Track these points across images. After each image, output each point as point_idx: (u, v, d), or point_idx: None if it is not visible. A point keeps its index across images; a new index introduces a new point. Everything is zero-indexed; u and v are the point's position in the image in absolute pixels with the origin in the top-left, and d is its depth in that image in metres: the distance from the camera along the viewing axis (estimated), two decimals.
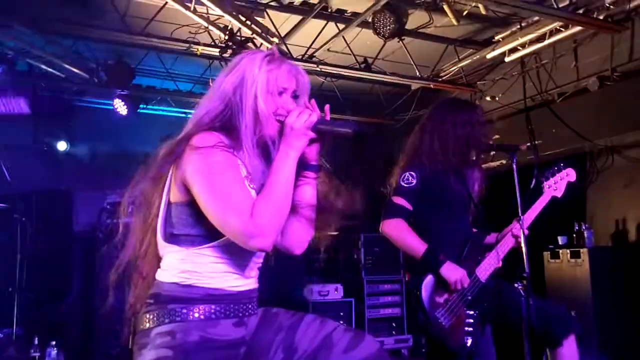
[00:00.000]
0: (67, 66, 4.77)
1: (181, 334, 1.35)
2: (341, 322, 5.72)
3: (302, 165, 1.52)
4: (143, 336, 1.39)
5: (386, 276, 5.75)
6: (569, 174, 2.68)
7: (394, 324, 5.67)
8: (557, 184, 2.63)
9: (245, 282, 1.49)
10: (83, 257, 5.09)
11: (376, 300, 5.72)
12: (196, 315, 1.37)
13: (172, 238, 1.43)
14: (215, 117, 1.47)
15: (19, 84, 5.09)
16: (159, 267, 1.46)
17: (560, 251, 4.29)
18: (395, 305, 5.76)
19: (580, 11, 3.99)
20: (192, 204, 1.39)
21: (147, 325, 1.39)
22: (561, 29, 4.27)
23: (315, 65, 4.82)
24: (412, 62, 4.98)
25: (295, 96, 1.55)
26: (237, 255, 1.45)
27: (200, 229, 1.41)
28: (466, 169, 2.59)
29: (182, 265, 1.41)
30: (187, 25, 4.31)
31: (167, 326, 1.36)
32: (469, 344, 2.33)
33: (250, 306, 1.50)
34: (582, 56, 4.60)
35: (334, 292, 5.56)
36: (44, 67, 4.83)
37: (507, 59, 4.79)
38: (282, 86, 1.50)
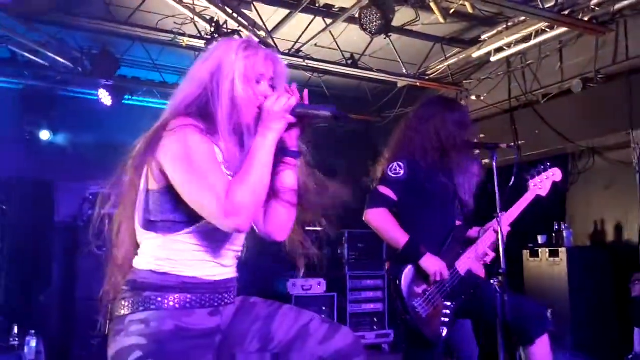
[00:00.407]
0: (51, 54, 4.71)
1: (155, 322, 1.35)
2: (322, 314, 5.71)
3: (282, 151, 1.52)
4: (118, 323, 1.39)
5: (369, 272, 5.79)
6: (555, 174, 2.70)
7: (375, 319, 5.71)
8: (542, 183, 2.66)
9: (223, 270, 1.48)
10: (64, 247, 5.05)
11: (358, 295, 5.76)
12: (171, 304, 1.37)
13: (149, 225, 1.42)
14: (191, 103, 1.46)
15: (2, 71, 5.04)
16: (135, 254, 1.46)
17: (540, 250, 4.34)
18: (377, 301, 5.80)
19: (566, 12, 4.03)
20: (169, 190, 1.39)
21: (122, 312, 1.38)
22: (547, 29, 4.31)
23: (302, 60, 4.82)
24: (399, 60, 4.99)
25: (272, 86, 1.54)
26: (214, 242, 1.45)
27: (177, 215, 1.40)
28: (456, 163, 2.60)
29: (158, 253, 1.41)
30: (173, 16, 4.28)
31: (142, 314, 1.36)
32: (444, 335, 2.37)
33: (226, 295, 1.49)
34: (567, 57, 4.65)
35: (317, 286, 5.58)
36: (27, 54, 4.77)
37: (492, 59, 4.82)
38: (259, 72, 1.50)
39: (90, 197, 4.27)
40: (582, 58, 4.50)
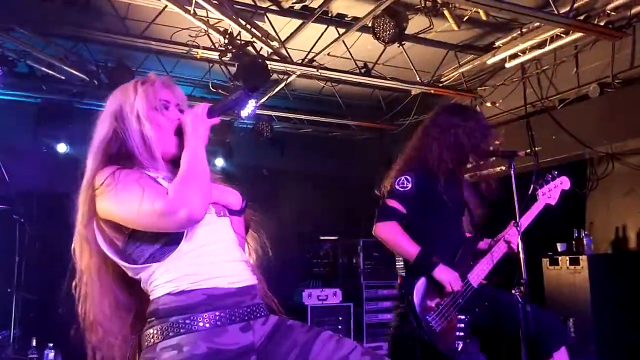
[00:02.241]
0: (67, 68, 4.78)
1: (188, 346, 1.31)
2: (338, 325, 5.70)
3: (230, 212, 1.56)
4: (149, 352, 1.35)
5: (385, 281, 5.74)
6: (563, 182, 2.67)
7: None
8: (551, 192, 2.63)
9: (241, 273, 1.46)
10: None
11: (375, 305, 5.71)
12: (201, 324, 1.33)
13: (142, 268, 1.39)
14: (107, 145, 1.48)
15: (20, 86, 5.11)
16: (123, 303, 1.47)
17: (559, 258, 4.26)
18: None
19: (581, 17, 3.99)
20: (135, 232, 1.38)
21: (152, 340, 1.35)
22: (562, 35, 4.27)
23: (315, 70, 4.82)
24: (413, 67, 4.98)
25: (180, 110, 1.56)
26: (209, 243, 1.43)
27: (161, 240, 1.38)
28: (461, 174, 2.59)
29: (168, 276, 1.37)
30: (187, 29, 4.31)
31: (172, 340, 1.32)
32: (459, 349, 2.31)
33: (255, 308, 1.45)
34: (583, 62, 4.60)
35: (333, 296, 5.55)
36: (44, 69, 4.84)
37: (507, 65, 4.79)
38: (162, 99, 1.52)
39: None
40: (599, 63, 4.44)
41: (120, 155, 1.46)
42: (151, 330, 1.36)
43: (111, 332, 1.46)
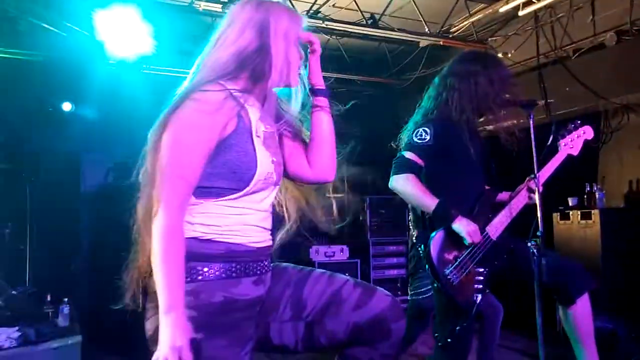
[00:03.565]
0: (69, 25, 4.67)
1: (205, 294, 1.31)
2: (348, 277, 5.73)
3: (311, 92, 1.56)
4: None
5: (392, 238, 5.77)
6: (586, 132, 2.61)
7: (399, 285, 5.72)
8: (573, 142, 2.57)
9: (265, 236, 1.46)
10: (91, 217, 5.13)
11: (382, 261, 5.77)
12: (217, 273, 1.33)
13: (198, 195, 1.37)
14: (246, 57, 1.41)
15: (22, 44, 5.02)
16: None
17: (571, 212, 4.23)
18: (401, 267, 5.80)
19: None
20: (215, 161, 1.35)
21: None
22: None
23: (320, 22, 4.67)
24: (421, 18, 4.81)
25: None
26: (257, 207, 1.42)
27: (218, 180, 1.36)
28: (477, 125, 2.52)
29: (203, 219, 1.36)
30: None
31: (189, 285, 1.31)
32: (477, 301, 2.30)
33: (266, 263, 1.47)
34: (600, 10, 4.41)
35: (340, 253, 5.60)
36: (46, 25, 4.73)
37: (520, 13, 4.60)
38: (299, 37, 1.52)
39: (115, 167, 4.28)
40: (616, 10, 4.26)
41: (254, 71, 1.42)
42: None
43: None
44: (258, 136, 1.41)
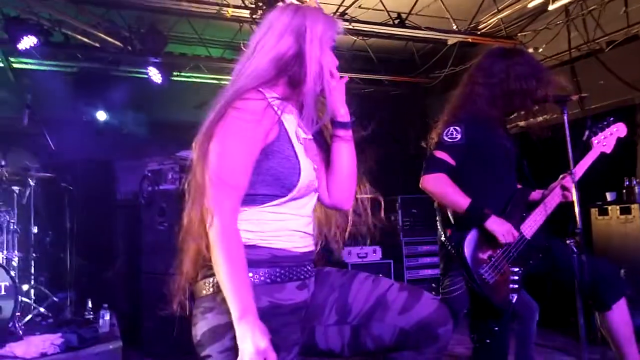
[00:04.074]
0: (101, 35, 4.81)
1: None
2: (393, 280, 5.70)
3: (333, 124, 1.50)
4: (207, 301, 1.34)
5: (424, 237, 5.72)
6: (619, 129, 2.53)
7: (433, 285, 5.66)
8: (606, 139, 2.50)
9: (308, 241, 1.46)
10: (127, 224, 5.24)
11: (415, 261, 5.72)
12: (262, 278, 1.34)
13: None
14: (285, 64, 1.41)
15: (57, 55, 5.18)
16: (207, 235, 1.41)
17: (609, 207, 4.13)
18: (435, 266, 5.73)
19: None
20: (260, 167, 1.36)
21: (212, 290, 1.34)
22: None
23: (347, 23, 4.68)
24: (449, 16, 4.77)
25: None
26: (300, 213, 1.42)
27: (261, 187, 1.37)
28: (507, 123, 2.49)
29: (246, 226, 1.36)
30: None
31: None
32: (513, 301, 2.27)
33: (309, 268, 1.47)
34: (633, 1, 4.30)
35: (372, 254, 5.57)
36: (79, 37, 4.88)
37: (550, 7, 4.51)
38: (334, 40, 1.49)
39: (149, 174, 4.37)
40: None
41: (292, 77, 1.42)
42: (211, 279, 1.35)
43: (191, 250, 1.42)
44: (300, 143, 1.42)
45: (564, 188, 2.40)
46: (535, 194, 2.51)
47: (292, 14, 1.46)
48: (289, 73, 1.42)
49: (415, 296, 1.47)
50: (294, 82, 1.43)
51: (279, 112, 1.38)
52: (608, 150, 2.50)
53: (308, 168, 1.42)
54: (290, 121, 1.43)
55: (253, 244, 1.36)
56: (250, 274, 1.33)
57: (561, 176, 2.44)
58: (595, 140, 2.50)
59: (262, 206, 1.38)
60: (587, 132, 2.33)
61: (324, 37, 1.45)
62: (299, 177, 1.38)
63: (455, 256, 2.30)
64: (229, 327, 1.26)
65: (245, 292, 1.24)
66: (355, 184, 1.57)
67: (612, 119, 2.55)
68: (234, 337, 1.23)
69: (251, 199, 1.37)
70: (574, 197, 2.25)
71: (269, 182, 1.37)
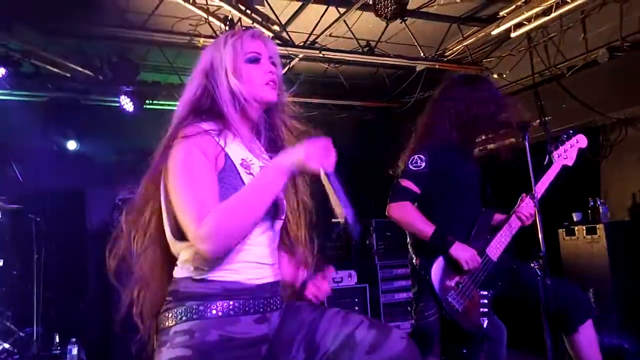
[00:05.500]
0: (72, 65, 4.78)
1: (199, 333, 1.30)
2: (355, 307, 5.72)
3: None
4: (163, 334, 1.35)
5: (399, 260, 5.73)
6: (579, 140, 2.57)
7: (409, 308, 5.66)
8: (567, 152, 2.54)
9: (265, 272, 1.43)
10: (98, 255, 5.11)
11: (390, 284, 5.72)
12: (214, 312, 1.32)
13: (182, 234, 1.37)
14: (197, 102, 1.45)
15: (26, 85, 5.13)
16: (167, 265, 1.43)
17: (576, 228, 4.23)
18: (410, 290, 5.74)
19: None
20: None
21: (167, 323, 1.35)
22: (568, 0, 4.17)
23: (317, 52, 4.77)
24: (416, 43, 4.91)
25: (273, 63, 1.51)
26: (252, 243, 1.40)
27: None
28: (474, 148, 2.55)
29: (193, 261, 1.35)
30: (188, 18, 4.30)
31: (186, 324, 1.32)
32: (485, 325, 2.29)
33: (272, 301, 1.43)
34: (591, 27, 4.49)
35: (348, 278, 5.56)
36: (49, 67, 4.84)
37: (513, 35, 4.69)
38: (251, 51, 1.48)
39: (120, 203, 4.32)
40: (607, 27, 4.34)
41: (211, 111, 1.43)
42: (167, 313, 1.36)
43: (149, 287, 1.45)
44: (249, 173, 1.41)
45: (519, 217, 2.44)
46: (498, 216, 2.56)
47: (204, 53, 1.51)
48: (204, 108, 1.44)
49: (385, 334, 1.45)
50: (217, 114, 1.44)
51: (221, 142, 1.39)
52: (570, 163, 2.53)
53: None
54: (236, 151, 1.42)
55: (203, 277, 1.35)
56: (202, 307, 1.33)
57: (520, 197, 2.50)
58: (556, 154, 2.53)
59: None
60: (547, 156, 2.39)
61: (237, 57, 1.46)
62: None
63: (425, 284, 2.33)
64: None
65: (264, 171, 1.38)
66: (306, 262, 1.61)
67: (571, 132, 2.59)
68: None
69: None
70: (537, 221, 2.30)
71: None
